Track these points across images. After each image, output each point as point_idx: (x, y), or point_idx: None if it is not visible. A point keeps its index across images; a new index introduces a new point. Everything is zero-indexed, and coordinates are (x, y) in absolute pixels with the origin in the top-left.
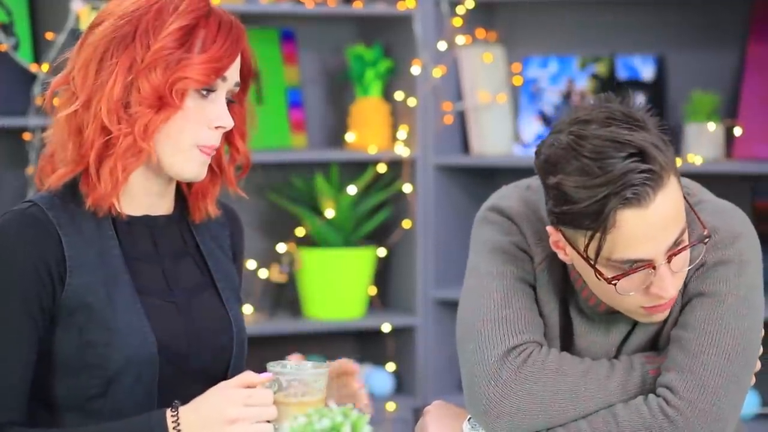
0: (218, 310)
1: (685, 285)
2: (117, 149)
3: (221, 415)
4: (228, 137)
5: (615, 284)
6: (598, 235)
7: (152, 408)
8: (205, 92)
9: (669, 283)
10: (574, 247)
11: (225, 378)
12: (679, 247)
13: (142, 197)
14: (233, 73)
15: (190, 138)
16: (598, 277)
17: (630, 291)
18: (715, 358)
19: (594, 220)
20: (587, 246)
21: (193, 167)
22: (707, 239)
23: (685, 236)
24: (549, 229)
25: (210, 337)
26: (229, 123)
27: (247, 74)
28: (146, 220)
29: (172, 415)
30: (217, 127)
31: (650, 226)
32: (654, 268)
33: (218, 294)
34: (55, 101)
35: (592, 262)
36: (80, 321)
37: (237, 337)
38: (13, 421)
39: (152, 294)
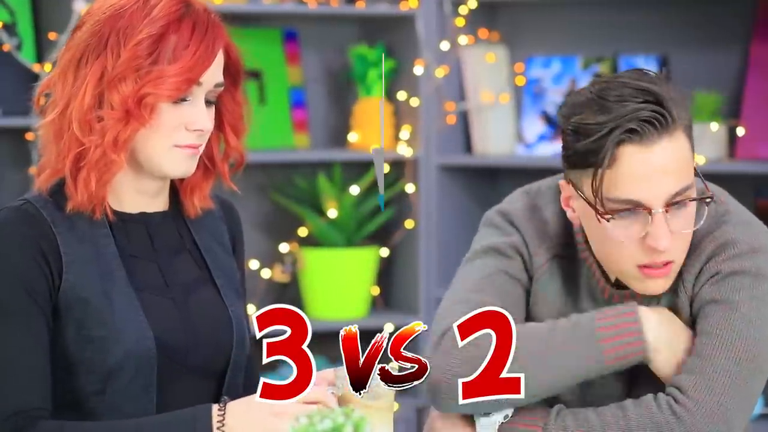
0: (217, 305)
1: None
2: (89, 160)
3: (269, 406)
4: (221, 133)
5: (609, 220)
6: (600, 171)
7: (150, 406)
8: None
9: (663, 234)
10: (580, 194)
11: (225, 375)
12: (680, 199)
13: (136, 196)
14: (211, 76)
15: (167, 142)
16: (598, 219)
17: (624, 238)
18: (725, 361)
19: (597, 153)
20: (592, 185)
21: (178, 166)
22: (709, 200)
23: (690, 194)
24: (561, 183)
25: (208, 333)
26: (206, 126)
27: (235, 71)
28: (141, 217)
29: (219, 409)
30: (194, 130)
31: (650, 167)
32: (650, 214)
33: (217, 290)
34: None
35: (593, 202)
36: (78, 316)
37: (237, 333)
38: (43, 407)
39: (149, 290)
